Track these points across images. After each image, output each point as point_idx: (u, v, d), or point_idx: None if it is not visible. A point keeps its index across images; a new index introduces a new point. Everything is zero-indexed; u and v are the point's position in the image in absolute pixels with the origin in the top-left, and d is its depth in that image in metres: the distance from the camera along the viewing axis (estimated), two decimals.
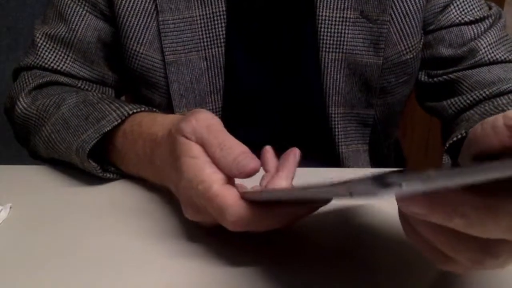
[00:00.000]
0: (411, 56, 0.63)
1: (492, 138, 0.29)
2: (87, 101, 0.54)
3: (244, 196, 0.34)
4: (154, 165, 0.44)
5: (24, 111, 0.58)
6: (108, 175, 0.51)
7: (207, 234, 0.40)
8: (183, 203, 0.38)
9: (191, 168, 0.36)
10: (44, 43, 0.63)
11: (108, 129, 0.48)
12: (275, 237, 0.38)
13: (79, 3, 0.63)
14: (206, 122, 0.37)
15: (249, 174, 0.35)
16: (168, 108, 0.63)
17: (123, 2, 0.60)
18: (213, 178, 0.35)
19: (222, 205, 0.34)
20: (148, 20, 0.61)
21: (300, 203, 0.35)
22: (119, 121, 0.48)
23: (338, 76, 0.62)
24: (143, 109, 0.50)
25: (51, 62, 0.63)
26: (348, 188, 0.22)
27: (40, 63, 0.63)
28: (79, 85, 0.64)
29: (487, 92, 0.61)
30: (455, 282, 0.36)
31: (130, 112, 0.49)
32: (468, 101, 0.63)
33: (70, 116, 0.53)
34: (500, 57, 0.63)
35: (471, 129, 0.34)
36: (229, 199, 0.34)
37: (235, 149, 0.36)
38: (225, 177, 0.36)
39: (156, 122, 0.46)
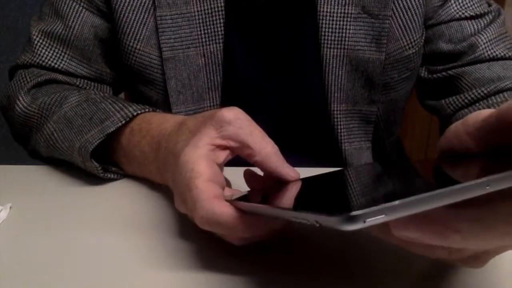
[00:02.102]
0: (414, 51, 0.63)
1: (458, 146, 0.29)
2: (90, 100, 0.53)
3: (232, 202, 0.34)
4: (158, 160, 0.44)
5: (24, 110, 0.58)
6: (108, 176, 0.50)
7: (209, 235, 0.40)
8: (174, 191, 0.38)
9: (189, 155, 0.36)
10: (41, 41, 0.63)
11: (112, 130, 0.48)
12: (273, 240, 0.38)
13: (76, 0, 0.62)
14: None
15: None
16: (165, 105, 0.62)
17: None
18: (202, 171, 0.35)
19: (196, 198, 0.34)
20: (145, 15, 0.60)
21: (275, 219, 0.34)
22: (123, 122, 0.49)
23: (340, 73, 0.61)
24: (147, 110, 0.50)
25: (48, 60, 0.62)
26: (316, 219, 0.23)
27: (38, 61, 0.63)
28: (77, 83, 0.63)
29: (485, 91, 0.61)
30: (452, 282, 0.35)
31: (135, 113, 0.49)
32: (466, 100, 0.62)
33: (74, 115, 0.52)
34: (499, 53, 0.63)
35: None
36: (205, 194, 0.34)
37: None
38: (216, 174, 0.36)
39: (167, 120, 0.46)
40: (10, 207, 0.45)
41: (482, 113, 0.29)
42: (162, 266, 0.37)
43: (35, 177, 0.53)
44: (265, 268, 0.37)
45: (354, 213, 0.20)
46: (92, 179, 0.51)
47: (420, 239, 0.24)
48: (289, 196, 0.34)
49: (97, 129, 0.49)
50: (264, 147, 0.37)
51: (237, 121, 0.37)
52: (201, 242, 0.40)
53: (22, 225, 0.43)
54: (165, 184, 0.45)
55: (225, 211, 0.33)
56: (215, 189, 0.34)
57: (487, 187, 0.22)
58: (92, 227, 0.43)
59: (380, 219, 0.21)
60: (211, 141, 0.37)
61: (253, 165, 0.39)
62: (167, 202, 0.46)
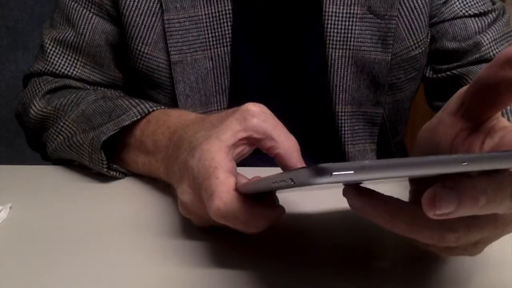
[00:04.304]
0: (420, 51, 0.63)
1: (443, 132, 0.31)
2: (107, 97, 0.54)
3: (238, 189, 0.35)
4: (168, 148, 0.44)
5: (39, 112, 0.58)
6: (111, 173, 0.50)
7: (211, 233, 0.40)
8: (184, 177, 0.38)
9: (211, 144, 0.36)
10: (53, 49, 0.63)
11: (127, 123, 0.49)
12: (273, 235, 0.38)
13: (86, 6, 0.62)
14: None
15: None
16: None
17: (128, 1, 0.60)
18: (223, 162, 0.35)
19: (215, 188, 0.34)
20: (153, 19, 0.60)
21: (265, 194, 0.36)
22: (139, 117, 0.49)
23: (345, 74, 0.61)
24: (162, 107, 0.50)
25: (61, 68, 0.63)
26: (290, 175, 0.24)
27: (51, 69, 0.63)
28: (90, 89, 0.63)
29: None
30: (457, 279, 0.35)
31: (151, 110, 0.49)
32: None
33: (92, 112, 0.53)
34: None
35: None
36: (225, 186, 0.34)
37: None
38: (234, 168, 0.36)
39: (188, 113, 0.47)
40: (10, 207, 0.45)
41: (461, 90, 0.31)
42: (164, 266, 0.37)
43: (35, 177, 0.52)
44: (268, 266, 0.36)
45: (321, 165, 0.21)
46: (93, 179, 0.50)
47: (456, 210, 0.24)
48: None
49: (113, 122, 0.49)
50: (288, 141, 0.38)
51: (262, 114, 0.38)
52: (207, 241, 0.39)
53: (22, 225, 0.43)
54: (165, 178, 0.45)
55: (243, 206, 0.33)
56: (232, 181, 0.35)
57: (463, 163, 0.22)
58: (92, 227, 0.42)
59: (348, 175, 0.21)
60: (234, 136, 0.37)
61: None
62: (168, 202, 0.46)
